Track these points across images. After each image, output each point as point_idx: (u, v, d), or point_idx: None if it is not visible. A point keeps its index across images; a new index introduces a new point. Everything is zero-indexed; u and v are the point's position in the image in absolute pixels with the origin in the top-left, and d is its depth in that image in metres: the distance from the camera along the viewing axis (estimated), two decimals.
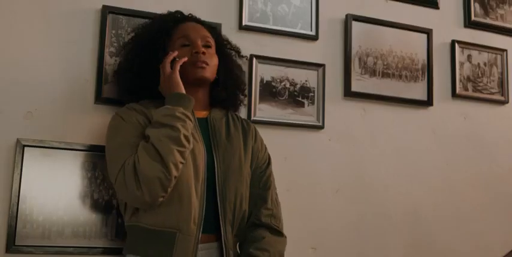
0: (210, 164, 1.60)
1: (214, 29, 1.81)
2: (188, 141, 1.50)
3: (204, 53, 1.63)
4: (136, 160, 1.45)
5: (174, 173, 1.46)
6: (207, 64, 1.63)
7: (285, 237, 1.70)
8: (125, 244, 1.61)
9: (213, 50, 1.68)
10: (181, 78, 1.58)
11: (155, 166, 1.43)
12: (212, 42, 1.70)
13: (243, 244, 1.66)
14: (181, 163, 1.48)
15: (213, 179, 1.59)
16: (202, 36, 1.67)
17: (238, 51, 1.82)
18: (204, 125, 1.65)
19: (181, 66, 1.60)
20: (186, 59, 1.61)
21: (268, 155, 1.78)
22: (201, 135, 1.62)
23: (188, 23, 1.71)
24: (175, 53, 1.62)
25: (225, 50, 1.77)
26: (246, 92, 1.99)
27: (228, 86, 1.74)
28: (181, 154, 1.48)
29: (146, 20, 1.80)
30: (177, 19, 1.72)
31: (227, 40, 1.82)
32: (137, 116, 1.58)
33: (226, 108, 1.76)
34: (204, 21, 1.77)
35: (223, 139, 1.65)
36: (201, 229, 1.53)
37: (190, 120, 1.53)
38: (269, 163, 1.76)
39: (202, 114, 1.68)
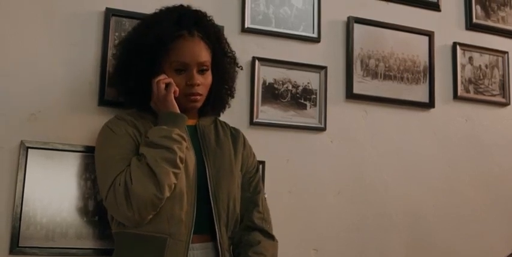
0: (200, 168, 1.60)
1: (216, 37, 1.69)
2: (182, 162, 1.51)
3: (198, 84, 1.61)
4: (129, 180, 1.45)
5: (167, 194, 1.47)
6: (200, 95, 1.63)
7: (277, 241, 1.71)
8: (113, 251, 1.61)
9: (208, 71, 1.65)
10: None
11: (149, 187, 1.44)
12: (209, 62, 1.64)
13: (238, 247, 1.67)
14: (174, 183, 1.49)
15: (205, 182, 1.59)
16: (199, 62, 1.61)
17: (235, 61, 1.77)
18: (193, 132, 1.66)
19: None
20: (177, 91, 1.59)
21: (257, 162, 1.80)
22: (191, 142, 1.63)
23: (187, 39, 1.61)
24: (173, 83, 1.59)
25: (221, 60, 1.71)
26: (249, 94, 2.02)
27: (218, 101, 1.73)
28: (176, 175, 1.49)
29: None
30: (177, 27, 1.61)
31: (228, 47, 1.75)
32: (127, 128, 1.58)
33: (214, 116, 1.78)
34: (205, 23, 1.68)
35: (213, 144, 1.67)
36: (192, 234, 1.53)
37: (185, 140, 1.54)
38: (257, 169, 1.79)
39: (191, 122, 1.67)
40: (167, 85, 1.59)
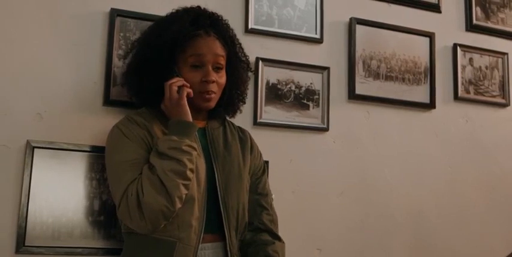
0: (210, 173, 1.59)
1: (231, 40, 1.69)
2: (193, 172, 1.50)
3: (213, 81, 1.60)
4: (140, 191, 1.44)
5: (178, 205, 1.46)
6: (214, 93, 1.61)
7: (284, 243, 1.72)
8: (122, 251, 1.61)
9: (223, 71, 1.64)
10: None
11: (160, 199, 1.43)
12: (224, 59, 1.64)
13: (250, 247, 1.67)
14: (185, 194, 1.48)
15: (214, 187, 1.59)
16: (214, 57, 1.61)
17: (249, 66, 1.77)
18: (202, 135, 1.65)
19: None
20: (191, 93, 1.57)
21: (264, 162, 1.80)
22: (200, 144, 1.62)
23: (203, 37, 1.61)
24: (186, 84, 1.57)
25: (235, 64, 1.70)
26: (252, 94, 2.01)
27: (230, 104, 1.73)
28: (186, 186, 1.48)
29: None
30: (193, 27, 1.61)
31: (242, 52, 1.74)
32: (138, 131, 1.55)
33: (223, 117, 1.76)
34: (221, 25, 1.68)
35: (222, 148, 1.66)
36: (201, 239, 1.53)
37: (196, 149, 1.52)
38: (264, 170, 1.78)
39: (201, 124, 1.66)
40: (180, 88, 1.56)
